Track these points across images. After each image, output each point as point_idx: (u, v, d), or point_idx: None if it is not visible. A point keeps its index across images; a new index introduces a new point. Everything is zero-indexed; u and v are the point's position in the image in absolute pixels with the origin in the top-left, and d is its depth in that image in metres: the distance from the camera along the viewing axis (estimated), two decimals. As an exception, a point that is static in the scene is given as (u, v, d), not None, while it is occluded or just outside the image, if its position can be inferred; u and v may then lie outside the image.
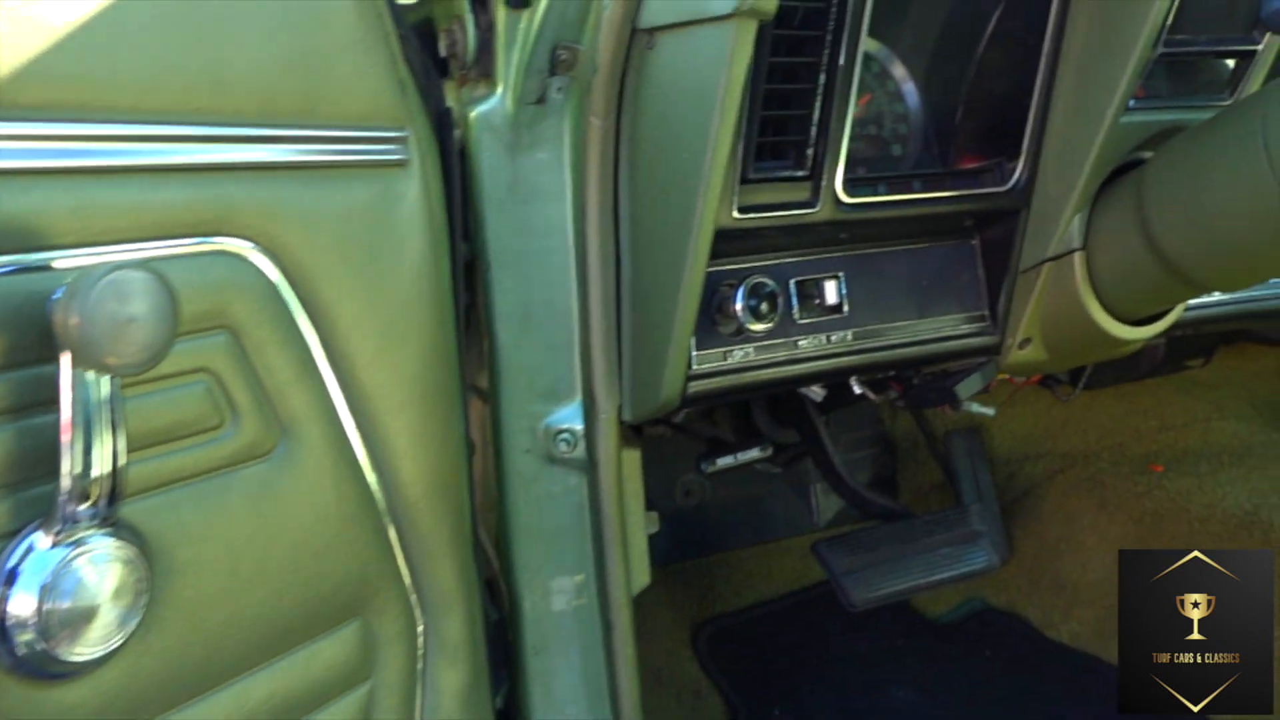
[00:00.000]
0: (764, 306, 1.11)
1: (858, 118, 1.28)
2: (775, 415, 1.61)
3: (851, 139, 1.27)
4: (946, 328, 1.27)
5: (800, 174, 1.09)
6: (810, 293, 1.18)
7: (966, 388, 1.30)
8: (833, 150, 1.09)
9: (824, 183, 1.10)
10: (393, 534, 0.86)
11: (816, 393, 1.44)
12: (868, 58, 1.27)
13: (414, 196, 0.84)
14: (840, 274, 1.20)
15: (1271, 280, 1.43)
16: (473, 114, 1.05)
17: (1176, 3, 1.10)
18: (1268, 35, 1.17)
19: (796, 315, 1.17)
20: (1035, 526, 1.96)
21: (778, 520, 2.04)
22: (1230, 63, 1.21)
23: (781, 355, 1.16)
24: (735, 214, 1.06)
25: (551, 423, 1.11)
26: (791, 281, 1.17)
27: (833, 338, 1.19)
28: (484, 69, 1.08)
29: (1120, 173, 1.21)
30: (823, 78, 1.06)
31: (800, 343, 1.17)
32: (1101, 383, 1.98)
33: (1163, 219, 1.12)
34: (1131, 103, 1.16)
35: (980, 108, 1.25)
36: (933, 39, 1.27)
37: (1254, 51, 1.19)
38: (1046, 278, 1.24)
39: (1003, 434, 2.09)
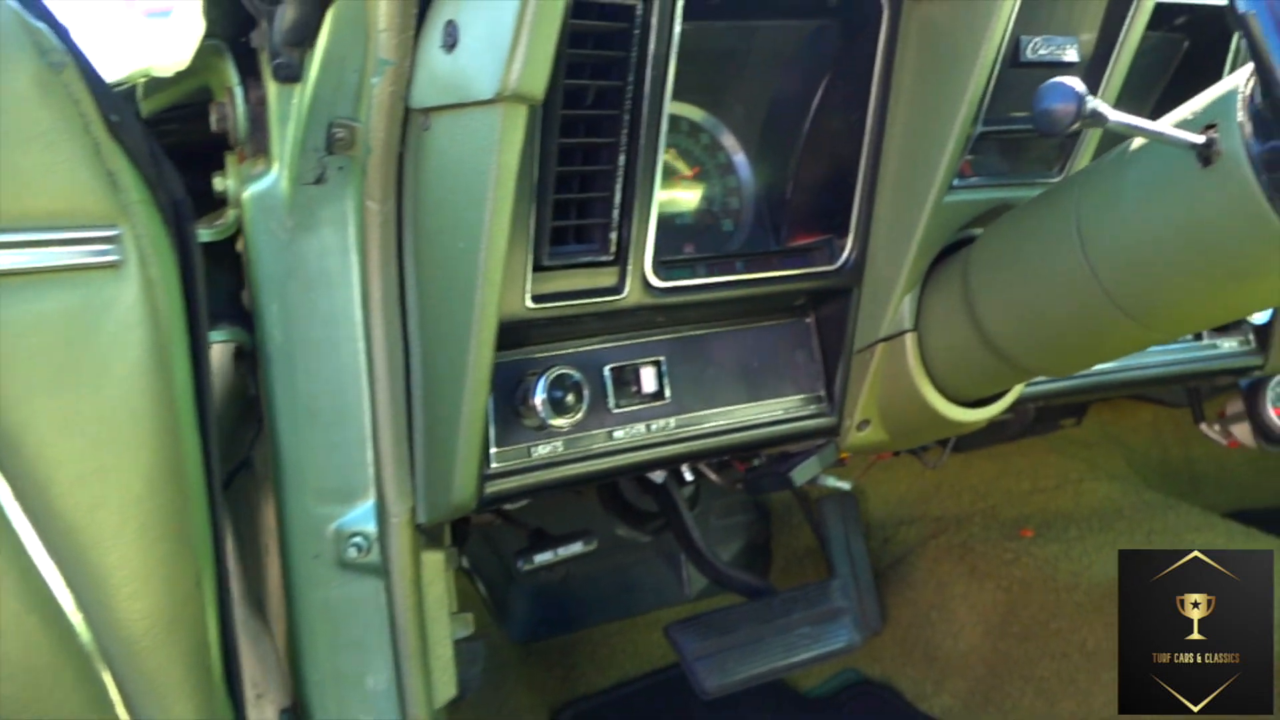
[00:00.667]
0: (569, 398, 1.04)
1: (692, 192, 1.23)
2: (643, 484, 1.54)
3: (679, 215, 1.22)
4: (781, 410, 1.21)
5: (605, 258, 1.02)
6: (627, 379, 1.11)
7: (802, 473, 1.24)
8: (639, 232, 1.03)
9: (630, 267, 1.03)
10: (108, 678, 0.76)
11: (656, 476, 1.37)
12: (696, 128, 1.22)
13: (129, 299, 0.75)
14: (661, 358, 1.13)
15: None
16: (247, 193, 0.97)
17: (994, 80, 1.07)
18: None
19: (611, 404, 1.10)
20: (909, 594, 1.91)
21: (646, 592, 1.96)
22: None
23: (594, 448, 1.08)
24: (529, 303, 0.98)
25: (342, 525, 1.02)
26: (606, 368, 1.10)
27: (653, 426, 1.12)
28: (258, 145, 1.00)
29: (952, 250, 1.17)
30: (623, 158, 0.99)
31: (616, 433, 1.10)
32: (972, 445, 1.95)
33: (986, 302, 1.08)
34: (957, 181, 1.12)
35: (810, 183, 1.20)
36: (762, 110, 1.23)
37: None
38: (881, 359, 1.19)
39: (877, 498, 2.04)
